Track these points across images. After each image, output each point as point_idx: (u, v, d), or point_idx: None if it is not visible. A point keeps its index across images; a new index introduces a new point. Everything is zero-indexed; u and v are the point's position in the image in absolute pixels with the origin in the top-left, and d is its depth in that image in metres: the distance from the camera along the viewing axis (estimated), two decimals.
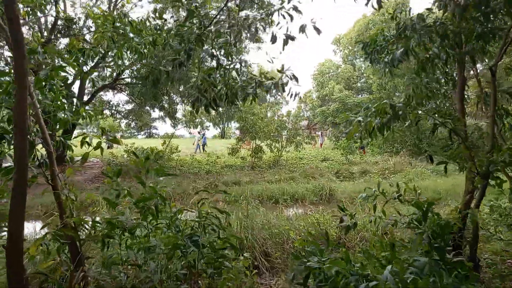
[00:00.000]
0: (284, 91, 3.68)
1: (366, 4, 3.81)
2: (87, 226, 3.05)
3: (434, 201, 4.05)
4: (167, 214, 3.25)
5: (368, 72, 25.44)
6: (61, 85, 3.44)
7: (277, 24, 3.73)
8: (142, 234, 3.35)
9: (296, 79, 3.60)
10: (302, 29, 3.53)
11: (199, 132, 27.44)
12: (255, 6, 10.43)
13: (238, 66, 4.24)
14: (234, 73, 4.18)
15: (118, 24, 3.99)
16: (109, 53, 4.39)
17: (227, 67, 4.13)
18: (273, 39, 3.81)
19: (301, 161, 21.87)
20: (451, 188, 13.84)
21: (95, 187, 12.88)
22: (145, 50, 4.31)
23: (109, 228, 2.90)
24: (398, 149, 22.52)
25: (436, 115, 3.36)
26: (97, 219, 3.27)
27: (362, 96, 32.16)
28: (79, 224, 2.98)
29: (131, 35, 4.20)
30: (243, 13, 4.24)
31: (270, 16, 3.86)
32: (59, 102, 3.28)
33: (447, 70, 4.38)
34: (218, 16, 4.03)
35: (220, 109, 19.12)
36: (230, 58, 4.21)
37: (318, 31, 3.56)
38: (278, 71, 3.59)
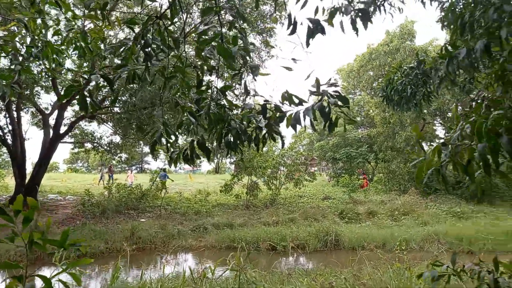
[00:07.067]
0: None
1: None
2: None
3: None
4: None
5: (369, 105, 24.24)
6: None
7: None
8: None
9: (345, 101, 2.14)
10: None
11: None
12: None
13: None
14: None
15: None
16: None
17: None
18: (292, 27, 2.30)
19: (300, 199, 20.05)
20: (478, 233, 12.10)
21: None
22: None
23: None
24: (407, 187, 20.73)
25: None
26: None
27: (362, 131, 30.82)
28: None
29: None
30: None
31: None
32: None
33: None
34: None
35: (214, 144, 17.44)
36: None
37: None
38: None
